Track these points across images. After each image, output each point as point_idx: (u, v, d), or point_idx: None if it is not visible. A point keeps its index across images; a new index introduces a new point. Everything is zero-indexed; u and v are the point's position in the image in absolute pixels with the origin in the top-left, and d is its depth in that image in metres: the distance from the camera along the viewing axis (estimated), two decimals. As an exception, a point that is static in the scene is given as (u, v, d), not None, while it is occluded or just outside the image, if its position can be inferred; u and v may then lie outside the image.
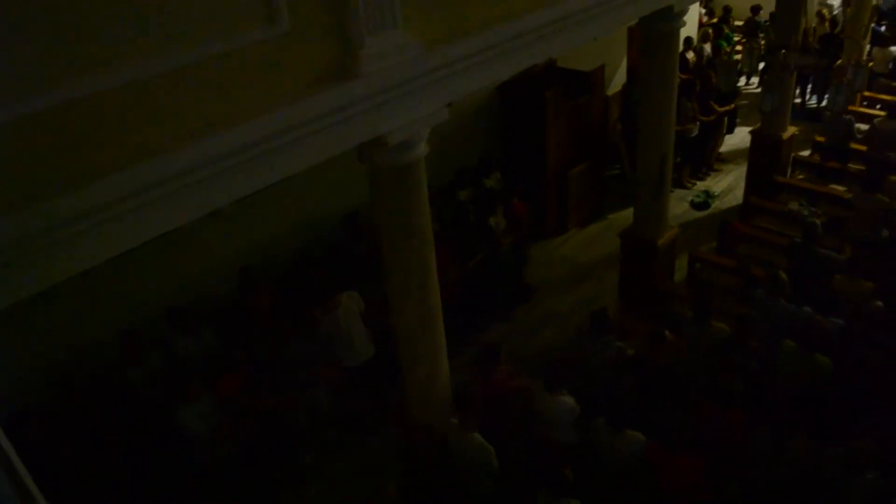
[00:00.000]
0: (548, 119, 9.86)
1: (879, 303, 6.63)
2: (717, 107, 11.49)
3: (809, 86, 13.57)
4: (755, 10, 13.78)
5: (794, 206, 9.79)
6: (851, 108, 11.12)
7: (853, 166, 10.42)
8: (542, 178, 10.23)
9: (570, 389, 6.10)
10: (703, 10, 14.58)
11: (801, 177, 10.96)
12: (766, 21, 13.46)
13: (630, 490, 5.72)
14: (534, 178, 10.14)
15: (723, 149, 12.38)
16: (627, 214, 9.01)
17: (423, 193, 5.19)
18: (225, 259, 7.61)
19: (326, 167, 4.37)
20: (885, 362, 6.21)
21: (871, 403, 6.07)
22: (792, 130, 10.66)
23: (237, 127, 3.59)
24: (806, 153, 11.33)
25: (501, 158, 10.12)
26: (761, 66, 13.55)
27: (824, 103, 12.83)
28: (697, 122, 11.21)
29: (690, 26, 12.29)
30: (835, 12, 13.98)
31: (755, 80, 14.67)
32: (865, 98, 12.14)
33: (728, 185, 11.74)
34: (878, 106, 11.84)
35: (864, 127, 10.73)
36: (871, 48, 12.70)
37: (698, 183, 11.81)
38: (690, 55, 12.49)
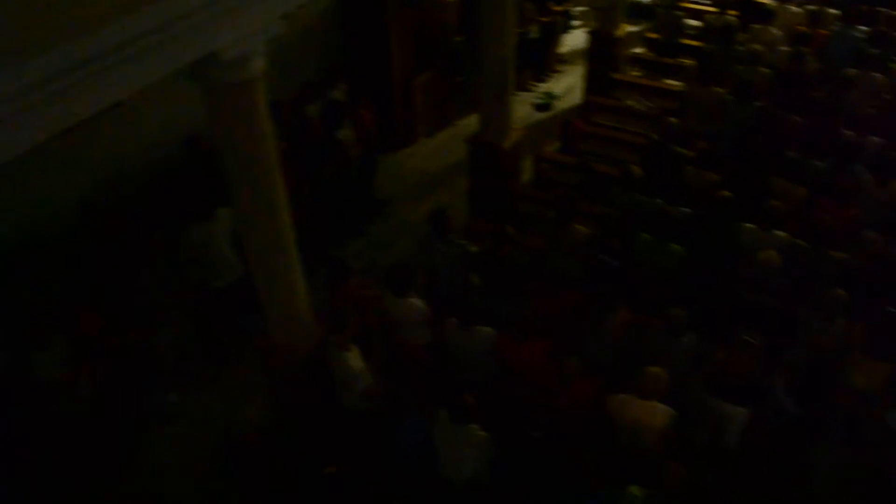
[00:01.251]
0: (389, 26, 9.65)
1: (726, 192, 7.06)
2: (554, 6, 11.60)
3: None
4: None
5: (631, 102, 10.20)
6: (681, 3, 11.55)
7: (685, 61, 10.87)
8: (387, 87, 10.07)
9: (419, 291, 6.19)
10: None
11: (636, 73, 11.36)
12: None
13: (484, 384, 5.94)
14: (379, 89, 9.96)
15: (561, 50, 12.60)
16: (475, 120, 9.09)
17: (264, 111, 4.97)
18: (63, 194, 7.03)
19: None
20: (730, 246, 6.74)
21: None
22: (626, 28, 10.97)
23: (57, 48, 3.21)
24: (641, 50, 11.70)
25: (346, 69, 9.85)
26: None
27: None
28: (537, 23, 11.30)
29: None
30: None
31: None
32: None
33: (568, 86, 12.02)
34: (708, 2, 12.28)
35: (694, 23, 11.18)
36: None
37: (540, 85, 12.00)
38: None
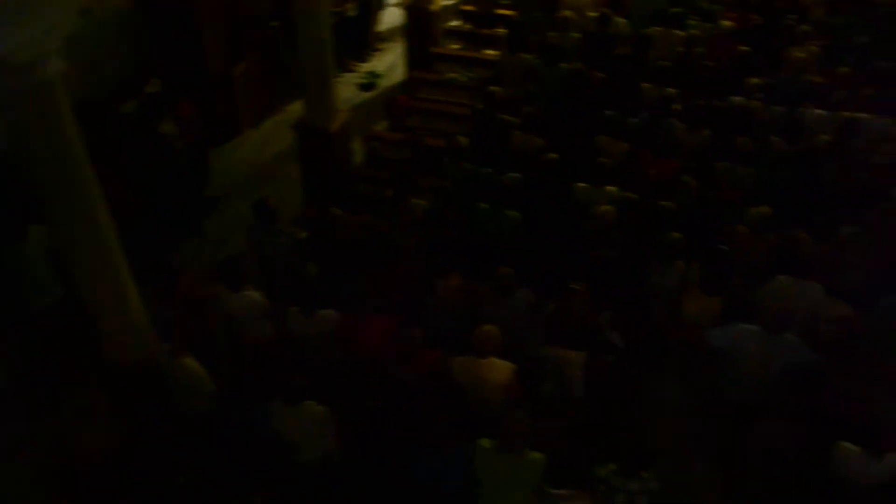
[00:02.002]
0: (198, 15, 9.23)
1: (552, 154, 7.28)
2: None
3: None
4: None
5: (452, 74, 10.37)
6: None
7: (501, 30, 11.14)
8: (204, 79, 9.66)
9: (256, 284, 6.07)
10: None
11: (455, 46, 11.54)
12: None
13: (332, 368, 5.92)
14: (196, 81, 9.54)
15: (380, 27, 12.58)
16: (301, 105, 8.90)
17: (68, 115, 4.61)
18: None
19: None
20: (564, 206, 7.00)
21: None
22: (440, 2, 11.10)
23: None
24: (458, 22, 11.87)
25: (159, 63, 9.33)
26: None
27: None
28: (353, 2, 11.21)
29: None
30: None
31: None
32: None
33: (390, 63, 12.03)
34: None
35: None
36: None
37: (362, 65, 11.94)
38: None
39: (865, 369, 5.67)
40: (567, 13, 9.58)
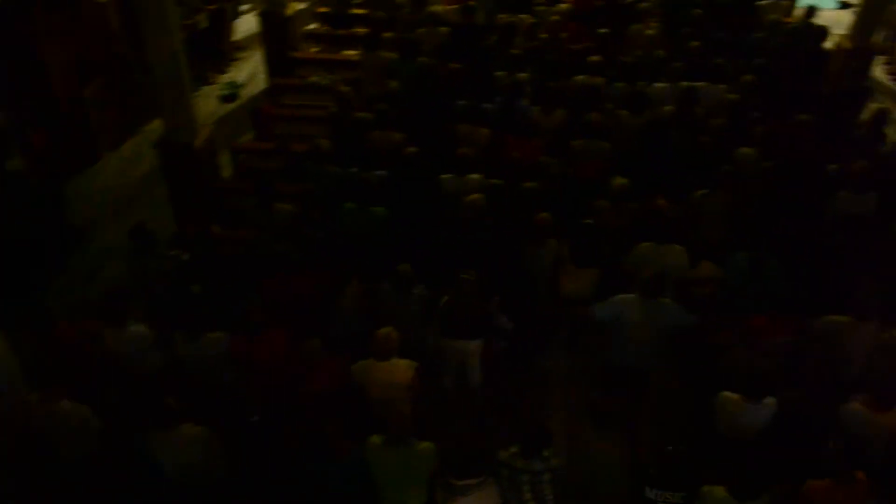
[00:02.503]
0: (38, 38, 8.81)
1: (412, 148, 7.34)
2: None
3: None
4: None
5: (314, 78, 10.34)
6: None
7: (359, 30, 11.16)
8: (52, 104, 9.24)
9: (139, 315, 5.89)
10: None
11: (315, 49, 11.50)
12: None
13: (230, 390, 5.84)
14: (44, 107, 9.10)
15: (236, 37, 12.38)
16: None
17: None
18: None
19: None
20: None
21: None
22: (295, 6, 11.03)
23: None
24: (315, 25, 11.82)
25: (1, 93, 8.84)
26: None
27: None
28: (204, 12, 11.00)
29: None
30: None
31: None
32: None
33: (251, 72, 11.88)
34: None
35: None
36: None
37: (222, 76, 11.73)
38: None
39: (732, 322, 6.02)
40: (436, 8, 9.71)
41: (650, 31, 9.28)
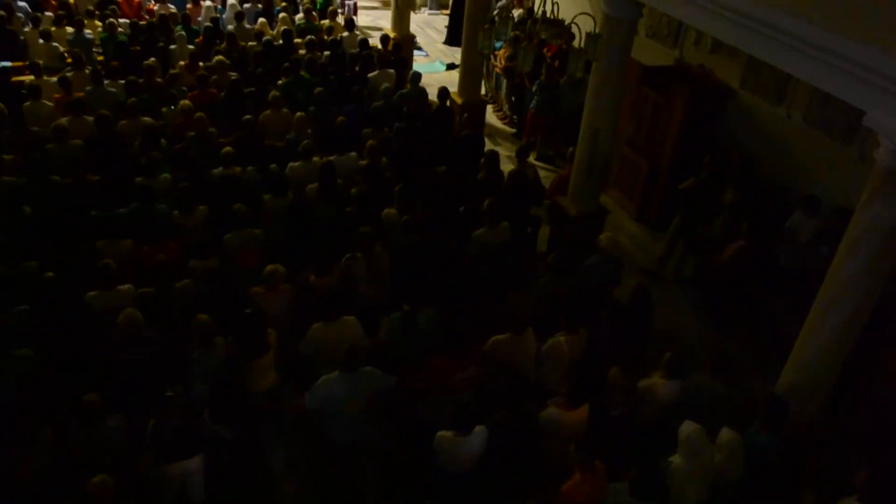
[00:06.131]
0: None
1: (49, 273, 6.73)
2: None
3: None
4: None
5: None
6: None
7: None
8: None
9: None
10: None
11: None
12: None
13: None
14: None
15: None
16: None
17: None
18: None
19: None
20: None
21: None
22: None
23: None
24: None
25: None
26: None
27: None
28: None
29: None
30: None
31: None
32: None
33: None
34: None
35: None
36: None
37: None
38: None
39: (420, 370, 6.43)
40: (62, 121, 8.87)
41: (299, 114, 9.44)
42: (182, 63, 11.16)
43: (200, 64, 11.15)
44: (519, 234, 8.31)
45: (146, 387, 5.82)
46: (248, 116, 9.19)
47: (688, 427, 5.40)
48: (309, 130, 9.40)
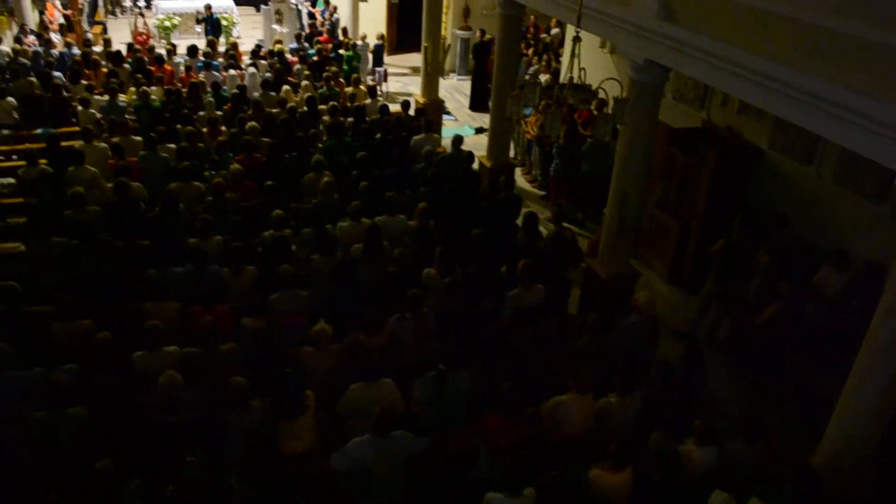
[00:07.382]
0: None
1: (105, 333, 6.90)
2: None
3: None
4: None
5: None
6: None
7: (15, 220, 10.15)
8: None
9: None
10: None
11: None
12: None
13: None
14: None
15: None
16: None
17: None
18: None
19: None
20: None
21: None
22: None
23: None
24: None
25: None
26: None
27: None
28: None
29: None
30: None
31: None
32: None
33: None
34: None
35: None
36: None
37: None
38: None
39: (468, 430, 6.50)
40: (77, 189, 9.16)
41: (326, 178, 9.69)
42: (205, 130, 11.40)
43: (222, 129, 11.50)
44: (553, 296, 8.43)
45: (179, 449, 5.80)
46: (269, 182, 9.42)
47: (717, 498, 5.35)
48: (336, 196, 9.51)
